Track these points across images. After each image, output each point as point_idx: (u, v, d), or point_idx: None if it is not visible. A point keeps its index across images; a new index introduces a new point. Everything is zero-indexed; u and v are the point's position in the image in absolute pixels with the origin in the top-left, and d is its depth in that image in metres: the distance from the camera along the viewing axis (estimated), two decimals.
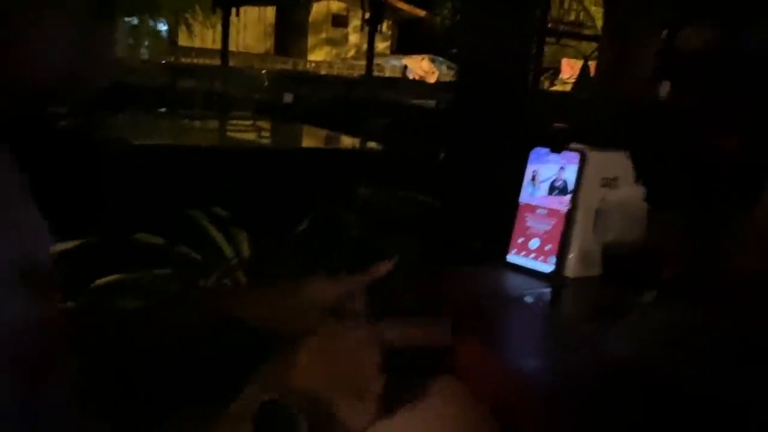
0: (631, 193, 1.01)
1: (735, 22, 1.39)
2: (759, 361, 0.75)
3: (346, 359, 0.64)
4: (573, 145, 1.02)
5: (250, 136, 3.77)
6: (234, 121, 4.16)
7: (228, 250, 1.69)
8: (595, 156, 1.01)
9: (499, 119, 1.91)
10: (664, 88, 1.49)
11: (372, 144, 3.32)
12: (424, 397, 0.68)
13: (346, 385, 0.63)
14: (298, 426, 0.57)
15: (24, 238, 0.58)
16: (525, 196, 1.06)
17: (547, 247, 1.02)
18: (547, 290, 0.99)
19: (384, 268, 0.78)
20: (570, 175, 1.01)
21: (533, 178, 1.05)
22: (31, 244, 0.59)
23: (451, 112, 2.63)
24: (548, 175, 1.04)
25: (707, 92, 1.40)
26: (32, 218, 0.61)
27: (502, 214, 1.09)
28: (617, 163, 1.03)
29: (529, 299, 0.96)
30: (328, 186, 1.98)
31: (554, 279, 1.00)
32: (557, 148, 1.01)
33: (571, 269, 1.01)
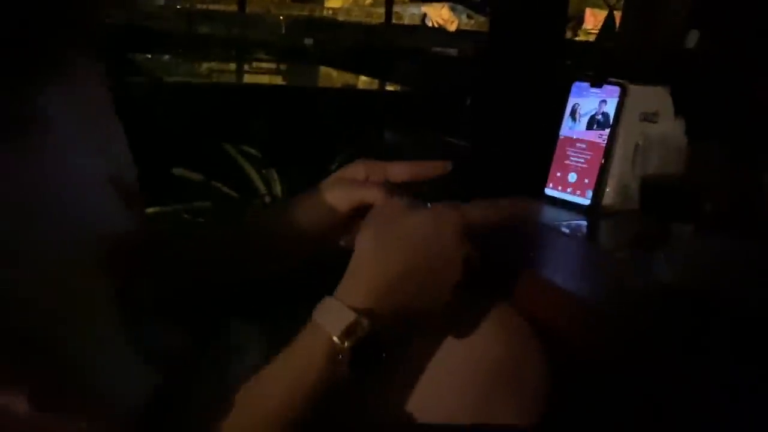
0: (671, 127, 1.02)
1: None
2: None
3: (424, 241, 0.59)
4: (613, 79, 1.03)
5: (271, 79, 3.78)
6: (254, 64, 4.16)
7: (262, 187, 1.72)
8: (635, 90, 1.02)
9: (531, 69, 1.89)
10: (693, 38, 1.47)
11: (397, 88, 3.31)
12: (472, 316, 0.71)
13: (427, 278, 0.59)
14: (385, 355, 0.58)
15: (117, 153, 0.62)
16: (564, 130, 1.08)
17: (586, 181, 1.04)
18: (584, 222, 1.01)
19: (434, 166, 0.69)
20: (610, 109, 1.02)
21: (573, 112, 1.06)
22: (122, 158, 0.63)
23: (479, 60, 2.61)
24: (588, 109, 1.05)
25: (739, 39, 1.38)
26: (121, 135, 0.64)
27: (538, 151, 1.10)
28: (658, 97, 1.04)
29: (566, 230, 0.99)
30: (356, 127, 2.00)
31: (591, 212, 1.02)
32: (598, 81, 1.02)
33: (609, 203, 1.02)
